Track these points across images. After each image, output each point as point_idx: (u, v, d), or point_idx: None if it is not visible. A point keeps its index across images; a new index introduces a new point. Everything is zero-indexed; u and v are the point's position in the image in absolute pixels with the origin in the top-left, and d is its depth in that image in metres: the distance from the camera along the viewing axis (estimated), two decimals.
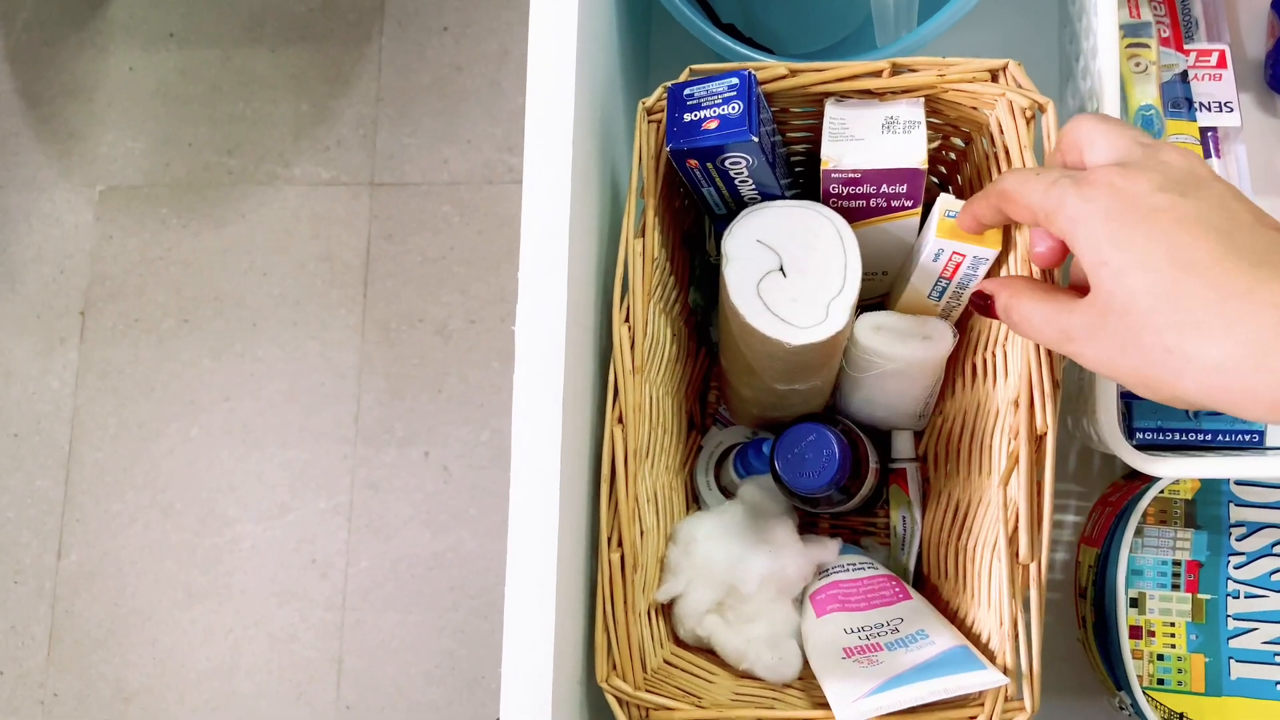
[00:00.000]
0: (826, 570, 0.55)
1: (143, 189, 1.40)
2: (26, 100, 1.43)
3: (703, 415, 0.63)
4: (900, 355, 0.50)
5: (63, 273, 1.39)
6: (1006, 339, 0.49)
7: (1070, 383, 0.59)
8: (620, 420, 0.49)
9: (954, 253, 0.48)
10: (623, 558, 0.47)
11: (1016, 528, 0.45)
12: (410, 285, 1.34)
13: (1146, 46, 0.58)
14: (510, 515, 0.43)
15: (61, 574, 1.33)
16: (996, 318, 0.41)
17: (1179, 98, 0.60)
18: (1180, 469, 0.48)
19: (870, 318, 0.52)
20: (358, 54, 1.40)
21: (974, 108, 0.49)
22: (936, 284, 0.50)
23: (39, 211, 1.40)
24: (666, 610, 0.54)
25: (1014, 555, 0.44)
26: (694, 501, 0.61)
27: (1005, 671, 0.44)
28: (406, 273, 1.34)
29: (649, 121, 0.50)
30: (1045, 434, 0.44)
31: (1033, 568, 0.44)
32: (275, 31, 1.42)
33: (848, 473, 0.48)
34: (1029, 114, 0.47)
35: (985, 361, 0.51)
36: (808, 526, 0.62)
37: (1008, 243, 0.48)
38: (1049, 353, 0.45)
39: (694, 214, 0.59)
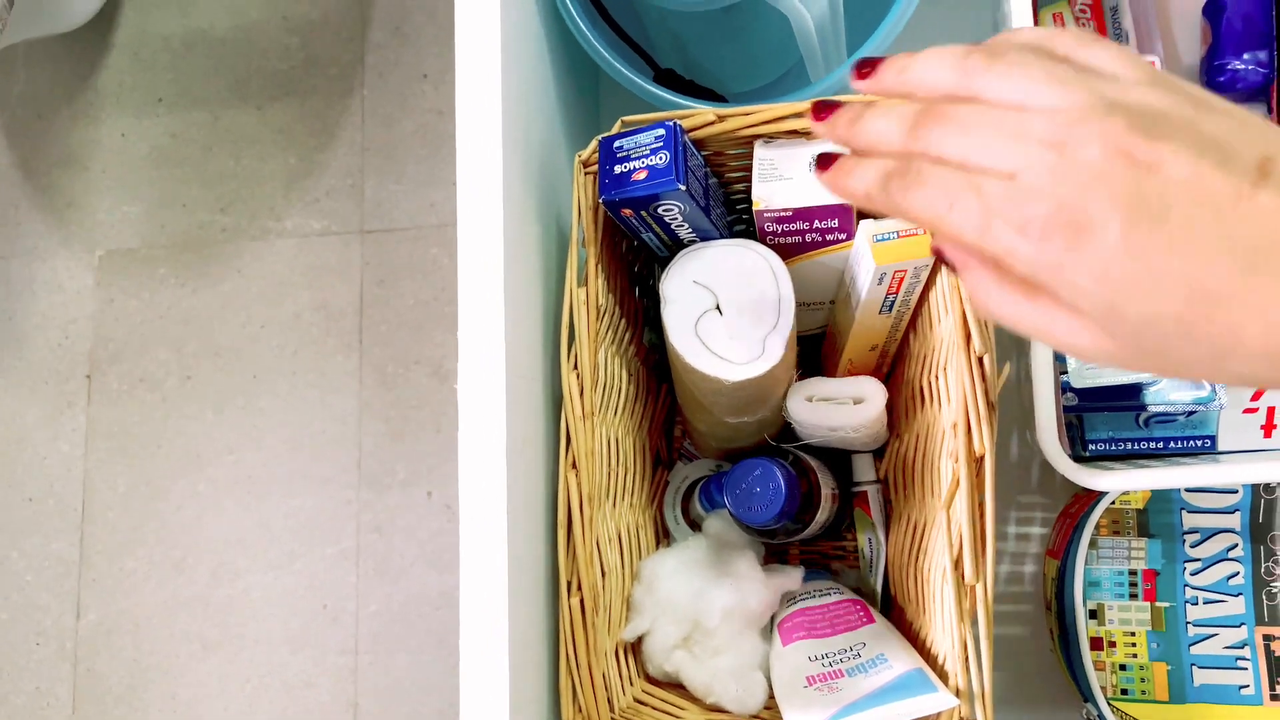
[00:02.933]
0: (794, 597, 0.56)
1: (141, 251, 1.43)
2: (24, 172, 1.47)
3: (669, 450, 0.64)
4: (835, 423, 0.52)
5: (67, 337, 1.42)
6: (945, 364, 0.49)
7: (1026, 397, 0.60)
8: (574, 466, 0.50)
9: (895, 272, 0.49)
10: (583, 602, 0.48)
11: (961, 550, 0.45)
12: (404, 329, 1.36)
13: None
14: (461, 568, 0.45)
15: (81, 634, 1.35)
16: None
17: None
18: (1123, 482, 0.48)
19: (802, 387, 0.53)
20: (341, 106, 1.43)
21: None
22: (884, 302, 0.52)
23: (41, 279, 1.44)
24: (636, 648, 0.54)
25: (961, 577, 0.45)
26: (664, 536, 0.62)
27: (958, 693, 0.44)
28: (400, 316, 1.36)
29: (585, 173, 0.51)
30: (984, 456, 0.45)
31: (979, 588, 0.45)
32: (260, 90, 1.45)
33: (796, 504, 0.49)
34: None
35: (930, 385, 0.52)
36: (777, 554, 0.62)
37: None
38: (983, 376, 0.46)
39: (644, 255, 0.60)
